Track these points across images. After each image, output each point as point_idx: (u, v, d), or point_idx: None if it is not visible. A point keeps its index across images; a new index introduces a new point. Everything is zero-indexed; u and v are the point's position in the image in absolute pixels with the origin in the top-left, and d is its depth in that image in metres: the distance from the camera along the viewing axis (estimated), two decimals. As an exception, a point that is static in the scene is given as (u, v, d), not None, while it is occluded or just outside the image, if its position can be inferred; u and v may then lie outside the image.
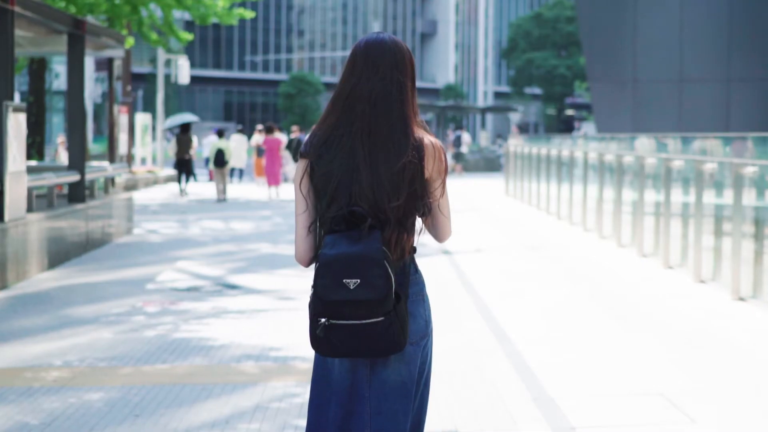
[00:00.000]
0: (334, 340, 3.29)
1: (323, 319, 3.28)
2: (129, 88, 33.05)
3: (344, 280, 3.25)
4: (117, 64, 34.96)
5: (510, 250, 14.80)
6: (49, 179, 12.98)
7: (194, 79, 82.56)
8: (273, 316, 9.40)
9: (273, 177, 26.52)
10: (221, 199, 24.66)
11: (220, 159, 25.07)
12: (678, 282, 11.72)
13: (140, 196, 26.27)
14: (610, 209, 15.98)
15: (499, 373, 7.21)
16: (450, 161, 39.20)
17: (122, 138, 31.38)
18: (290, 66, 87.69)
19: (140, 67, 73.22)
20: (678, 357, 7.88)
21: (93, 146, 38.29)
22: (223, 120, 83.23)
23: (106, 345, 8.07)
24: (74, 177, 14.01)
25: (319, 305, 3.29)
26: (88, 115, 36.66)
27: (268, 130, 27.64)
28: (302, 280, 11.48)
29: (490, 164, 46.13)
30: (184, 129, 28.52)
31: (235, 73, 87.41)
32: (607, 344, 8.38)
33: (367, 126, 3.39)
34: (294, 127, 31.89)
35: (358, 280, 3.24)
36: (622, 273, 12.61)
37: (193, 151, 27.90)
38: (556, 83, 79.78)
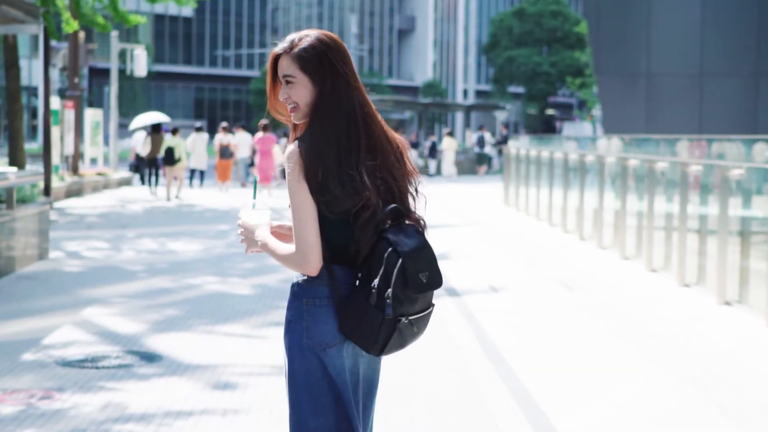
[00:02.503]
0: (405, 336, 3.28)
1: (404, 319, 3.25)
2: (76, 80, 29.35)
3: (420, 275, 3.24)
4: (62, 54, 31.44)
5: (534, 288, 11.26)
6: None
7: (164, 75, 79.20)
8: (197, 428, 5.86)
9: (265, 176, 26.52)
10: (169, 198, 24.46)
11: (169, 157, 24.81)
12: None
13: (82, 204, 22.67)
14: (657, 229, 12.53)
15: None
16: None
17: (68, 136, 27.83)
18: (264, 62, 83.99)
19: (108, 63, 69.40)
20: None
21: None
22: (193, 117, 79.69)
23: None
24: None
25: (400, 305, 3.22)
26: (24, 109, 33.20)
27: (264, 129, 27.26)
28: (253, 345, 7.98)
29: (476, 166, 42.69)
30: (156, 128, 28.12)
31: (206, 69, 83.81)
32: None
33: None
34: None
35: (428, 272, 3.27)
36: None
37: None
38: (539, 81, 76.36)
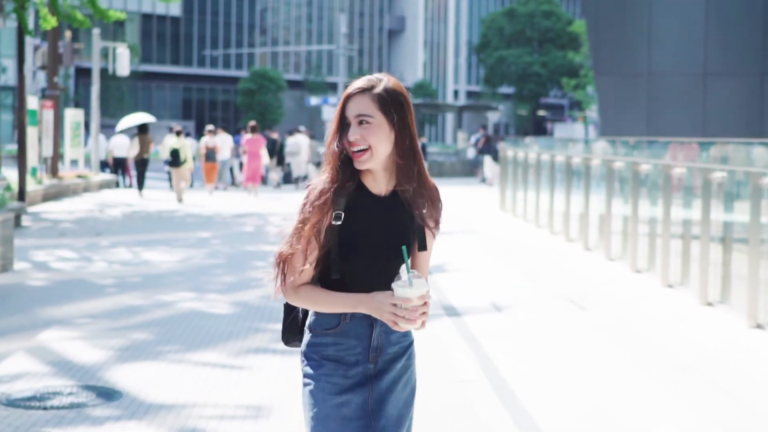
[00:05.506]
0: None
1: None
2: (56, 79, 28.30)
3: None
4: (42, 52, 30.38)
5: (542, 306, 10.26)
6: None
7: (151, 75, 77.96)
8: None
9: (254, 175, 26.63)
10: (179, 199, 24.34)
11: (175, 159, 24.71)
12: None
13: (59, 208, 21.64)
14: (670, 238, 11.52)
15: None
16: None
17: (47, 137, 26.72)
18: (252, 62, 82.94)
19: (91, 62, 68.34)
20: None
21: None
22: (181, 118, 78.66)
23: None
24: None
25: None
26: (10, 109, 32.13)
27: (253, 130, 27.34)
28: (228, 378, 6.98)
29: (468, 168, 41.74)
30: (143, 129, 27.48)
31: (194, 70, 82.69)
32: None
33: None
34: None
35: None
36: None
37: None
38: (530, 81, 75.45)
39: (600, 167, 14.58)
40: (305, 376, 3.19)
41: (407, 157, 3.15)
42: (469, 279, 11.96)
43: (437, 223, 3.24)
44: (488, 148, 36.25)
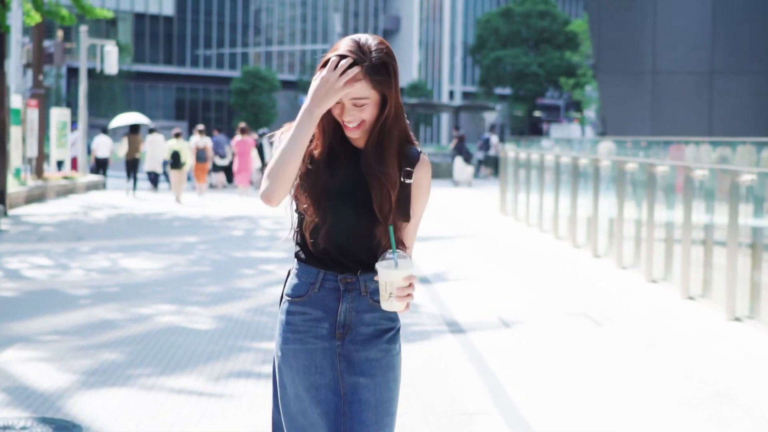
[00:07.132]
0: None
1: None
2: (41, 77, 27.45)
3: None
4: (26, 49, 29.51)
5: (554, 321, 9.41)
6: None
7: (144, 75, 77.10)
8: None
9: (244, 178, 26.68)
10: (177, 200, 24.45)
11: (176, 161, 24.95)
12: None
13: (42, 211, 20.84)
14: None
15: None
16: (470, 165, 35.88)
17: (31, 137, 25.87)
18: (246, 62, 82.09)
19: (87, 63, 67.23)
20: None
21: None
22: (174, 118, 77.85)
23: None
24: None
25: None
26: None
27: (243, 131, 27.43)
28: (205, 408, 6.15)
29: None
30: (134, 129, 28.14)
31: (187, 70, 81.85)
32: None
33: None
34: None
35: None
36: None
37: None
38: (527, 81, 74.60)
39: (611, 169, 13.77)
40: (277, 347, 3.13)
41: (389, 118, 3.05)
42: (472, 289, 11.13)
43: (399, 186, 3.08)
44: (460, 149, 35.58)
